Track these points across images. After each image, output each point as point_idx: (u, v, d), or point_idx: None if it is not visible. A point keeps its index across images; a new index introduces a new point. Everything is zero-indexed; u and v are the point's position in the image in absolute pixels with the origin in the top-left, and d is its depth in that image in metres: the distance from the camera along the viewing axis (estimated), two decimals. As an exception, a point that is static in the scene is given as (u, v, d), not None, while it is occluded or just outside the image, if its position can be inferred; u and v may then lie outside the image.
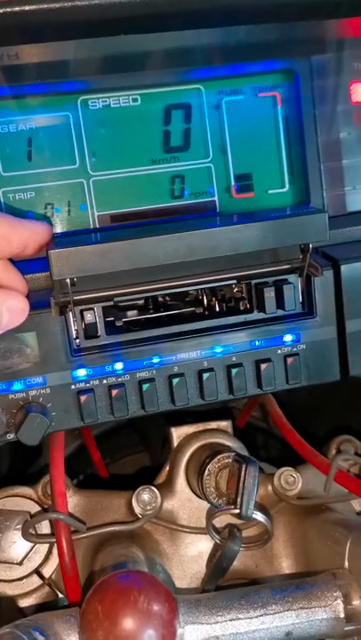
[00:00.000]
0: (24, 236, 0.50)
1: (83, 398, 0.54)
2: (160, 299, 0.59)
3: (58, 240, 0.52)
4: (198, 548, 0.63)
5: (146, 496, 0.61)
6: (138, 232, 0.53)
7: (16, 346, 0.52)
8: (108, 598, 0.39)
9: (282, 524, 0.64)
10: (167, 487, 0.64)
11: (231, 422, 0.68)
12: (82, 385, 0.54)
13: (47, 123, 0.58)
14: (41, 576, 0.63)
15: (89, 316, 0.54)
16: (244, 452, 0.63)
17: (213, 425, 0.67)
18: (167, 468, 0.66)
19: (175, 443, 0.66)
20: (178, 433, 0.67)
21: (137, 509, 0.61)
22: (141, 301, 0.59)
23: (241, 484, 0.51)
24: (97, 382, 0.55)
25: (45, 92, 0.57)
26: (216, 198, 0.62)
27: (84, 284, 0.53)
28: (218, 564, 0.54)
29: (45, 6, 0.39)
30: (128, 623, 0.39)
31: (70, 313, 0.53)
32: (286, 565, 0.63)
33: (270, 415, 0.72)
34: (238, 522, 0.56)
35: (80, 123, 0.58)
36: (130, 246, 0.50)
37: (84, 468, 0.87)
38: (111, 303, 0.55)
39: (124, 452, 0.91)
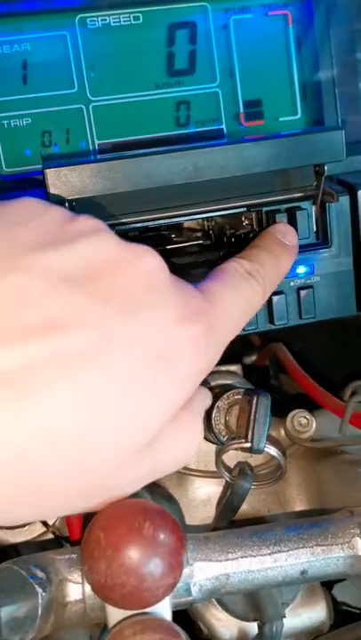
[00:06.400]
0: None
1: None
2: (165, 233, 0.56)
3: (56, 162, 0.49)
4: (207, 492, 0.60)
5: (152, 439, 0.58)
6: (141, 153, 0.50)
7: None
8: (110, 525, 0.36)
9: (295, 468, 0.61)
10: (175, 431, 0.62)
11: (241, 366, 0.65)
12: None
13: (43, 43, 0.54)
14: (45, 523, 0.61)
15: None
16: (256, 391, 0.60)
17: (223, 368, 0.64)
18: (175, 413, 0.63)
19: (183, 387, 0.63)
20: (186, 377, 0.64)
21: (143, 453, 0.58)
22: (147, 234, 0.55)
23: (252, 416, 0.48)
24: None
25: (41, 8, 0.54)
26: (224, 126, 0.59)
27: (82, 211, 0.50)
28: (228, 503, 0.51)
29: None
30: (132, 551, 0.36)
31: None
32: (300, 510, 0.61)
33: (282, 363, 0.69)
34: (250, 460, 0.54)
35: (78, 43, 0.55)
36: (132, 164, 0.47)
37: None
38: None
39: None
